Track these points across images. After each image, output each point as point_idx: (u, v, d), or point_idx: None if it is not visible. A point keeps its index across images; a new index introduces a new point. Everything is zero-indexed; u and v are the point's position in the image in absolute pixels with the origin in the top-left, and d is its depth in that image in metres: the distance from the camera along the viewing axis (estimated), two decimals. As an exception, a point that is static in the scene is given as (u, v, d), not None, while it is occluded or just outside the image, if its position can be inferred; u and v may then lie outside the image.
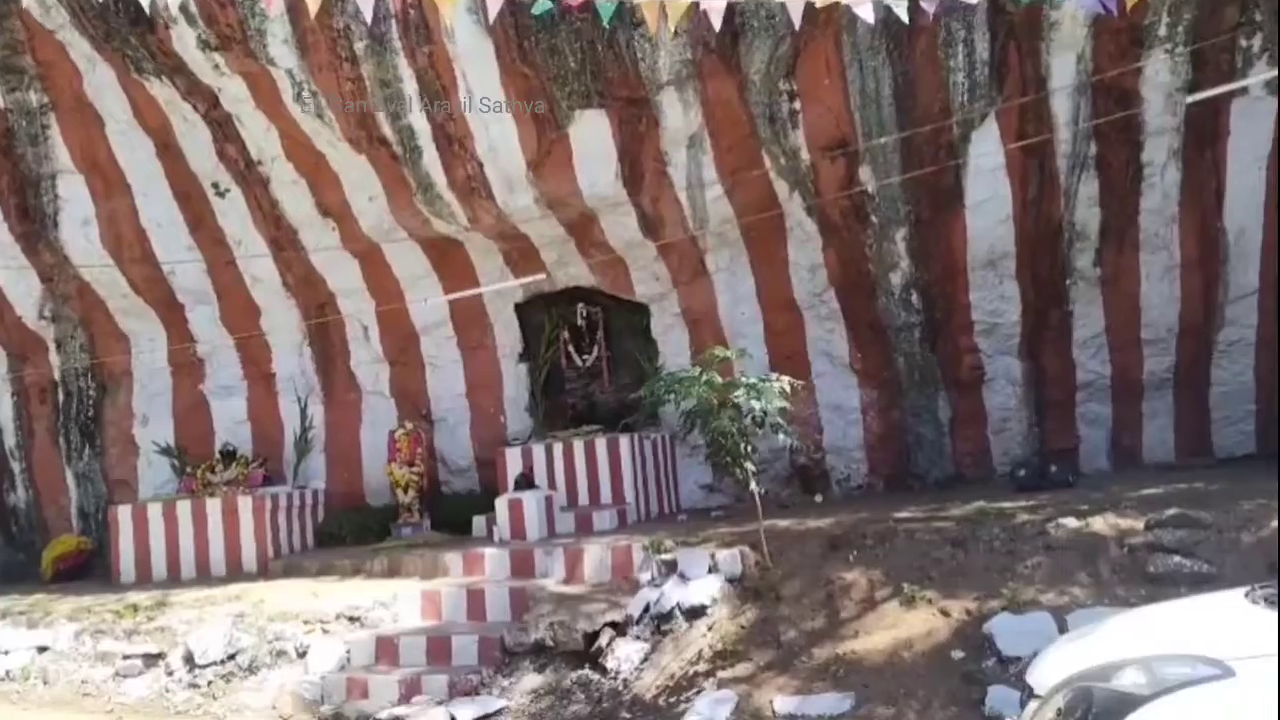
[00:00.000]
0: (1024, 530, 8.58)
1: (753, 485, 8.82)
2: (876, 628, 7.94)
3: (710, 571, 8.92)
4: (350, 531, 13.04)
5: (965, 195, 11.02)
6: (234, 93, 11.40)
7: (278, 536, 12.51)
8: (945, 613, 7.87)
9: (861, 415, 12.45)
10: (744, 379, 8.90)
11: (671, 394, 8.97)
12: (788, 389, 8.83)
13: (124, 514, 12.55)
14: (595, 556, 9.98)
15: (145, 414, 13.79)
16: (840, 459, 12.61)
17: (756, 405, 8.67)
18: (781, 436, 9.05)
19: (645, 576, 9.34)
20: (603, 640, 8.53)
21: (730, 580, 8.84)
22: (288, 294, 13.25)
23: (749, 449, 8.81)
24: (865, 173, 10.94)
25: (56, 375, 13.77)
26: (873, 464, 12.54)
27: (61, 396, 13.88)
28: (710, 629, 8.44)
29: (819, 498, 12.40)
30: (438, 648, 9.19)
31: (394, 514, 12.91)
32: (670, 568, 9.18)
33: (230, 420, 13.80)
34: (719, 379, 8.85)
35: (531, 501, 11.17)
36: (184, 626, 10.28)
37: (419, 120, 11.12)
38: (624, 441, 11.97)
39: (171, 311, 13.43)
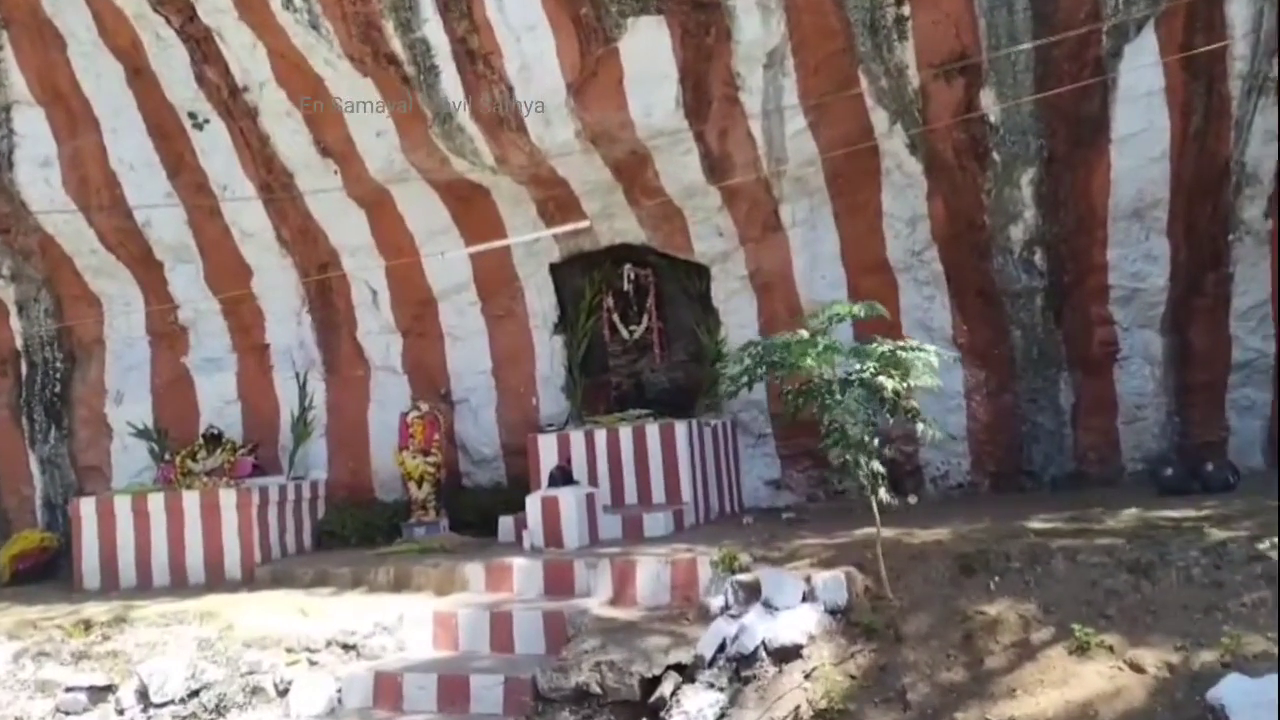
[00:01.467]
0: (1229, 553, 6.47)
1: (882, 493, 6.71)
2: (1039, 684, 5.89)
3: (805, 599, 6.86)
4: (354, 530, 11.14)
5: (1111, 126, 8.87)
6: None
7: (267, 537, 10.57)
8: (1136, 666, 5.81)
9: (965, 400, 10.33)
10: (878, 347, 6.78)
11: (770, 368, 6.85)
12: (934, 362, 6.74)
13: (87, 508, 10.65)
14: (650, 572, 7.98)
15: (119, 390, 11.94)
16: (937, 452, 10.49)
17: (890, 384, 6.58)
18: (921, 427, 6.95)
19: (717, 602, 7.29)
20: (665, 688, 6.53)
21: (833, 612, 6.78)
22: (283, 251, 11.29)
23: (875, 442, 6.71)
24: (988, 96, 8.80)
25: (19, 344, 11.88)
26: (977, 459, 10.43)
27: (24, 369, 12.00)
28: (808, 677, 6.39)
29: (913, 499, 10.29)
30: (452, 689, 7.22)
31: (406, 511, 10.97)
32: (750, 592, 7.12)
33: (217, 398, 11.89)
34: (840, 345, 6.75)
35: (570, 500, 9.14)
36: (142, 651, 8.35)
37: (435, 32, 9.11)
38: (680, 429, 9.92)
39: (149, 271, 11.50)
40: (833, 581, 6.80)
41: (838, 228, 10.18)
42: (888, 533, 8.03)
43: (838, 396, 6.45)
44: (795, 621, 6.65)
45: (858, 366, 6.59)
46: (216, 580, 10.24)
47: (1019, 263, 9.53)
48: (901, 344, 6.75)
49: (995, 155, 9.00)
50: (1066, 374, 10.01)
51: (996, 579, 6.75)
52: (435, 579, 8.93)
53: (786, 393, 7.10)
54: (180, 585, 10.23)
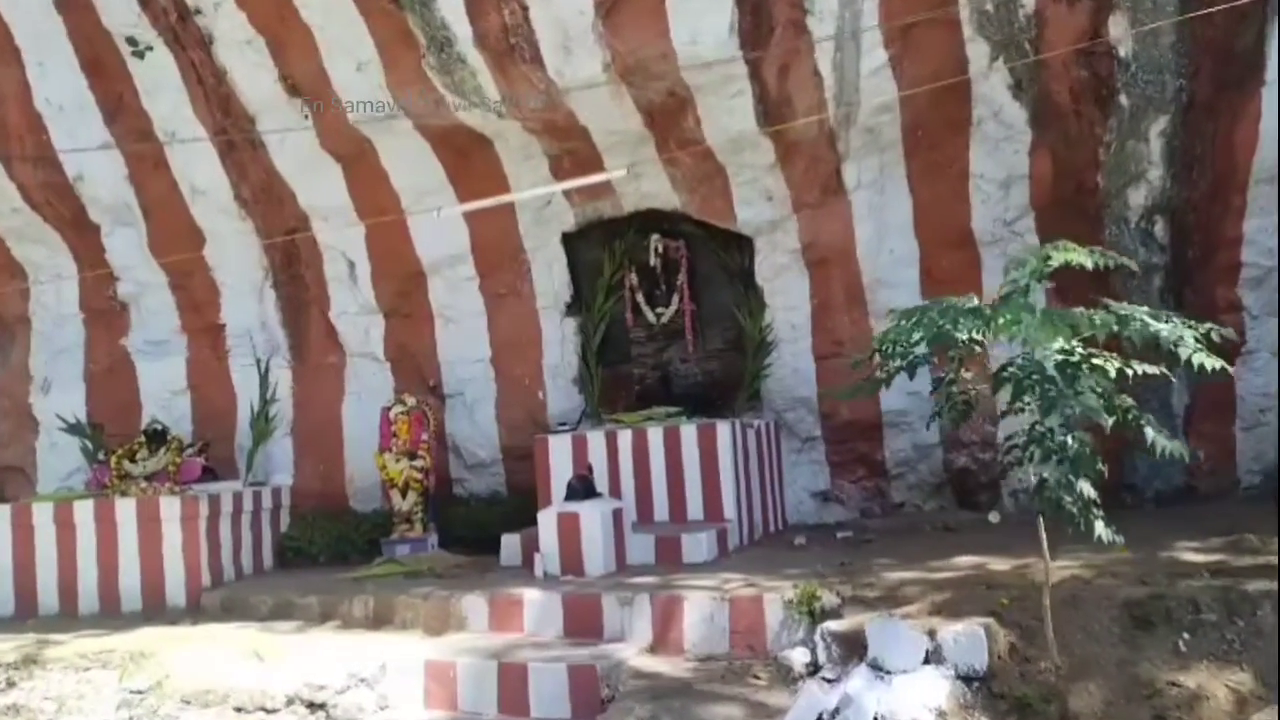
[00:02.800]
0: None
1: (1100, 527, 4.98)
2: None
3: (929, 660, 5.14)
4: (324, 548, 9.40)
5: (1266, 65, 7.21)
6: (155, -108, 7.60)
7: (218, 555, 8.77)
8: None
9: (1059, 400, 8.63)
10: (1138, 313, 5.00)
11: (940, 344, 5.11)
12: (1217, 338, 5.04)
13: (1, 517, 8.78)
14: (701, 611, 6.30)
15: (47, 377, 10.18)
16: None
17: (1141, 368, 4.89)
18: (1150, 434, 5.22)
19: (799, 657, 5.60)
20: (746, 782, 4.80)
21: (968, 679, 5.06)
22: (242, 212, 9.47)
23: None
24: (1118, 24, 7.15)
25: (-75, 322, 10.01)
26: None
27: (-68, 351, 10.11)
28: (943, 772, 4.69)
29: (995, 516, 8.64)
30: (452, 773, 5.46)
31: (387, 524, 9.20)
32: (847, 646, 5.43)
33: (162, 388, 10.08)
34: (1091, 315, 4.99)
35: (594, 517, 7.40)
36: (50, 706, 6.56)
37: (433, -65, 7.33)
38: (723, 431, 8.21)
39: (82, 235, 9.69)
40: (968, 638, 5.08)
41: (912, 192, 8.49)
42: (1000, 565, 6.40)
43: (1065, 387, 4.65)
44: (918, 692, 4.94)
45: (1062, 345, 4.82)
46: (155, 608, 8.44)
47: (1136, 234, 7.89)
48: (1141, 311, 4.92)
49: (1122, 98, 7.34)
50: (1181, 370, 8.35)
51: (1185, 636, 5.08)
52: (426, 614, 7.18)
53: (947, 383, 5.34)
54: (112, 613, 8.43)
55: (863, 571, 6.63)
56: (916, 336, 4.75)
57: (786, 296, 8.99)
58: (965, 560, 6.65)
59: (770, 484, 9.04)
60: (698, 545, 7.57)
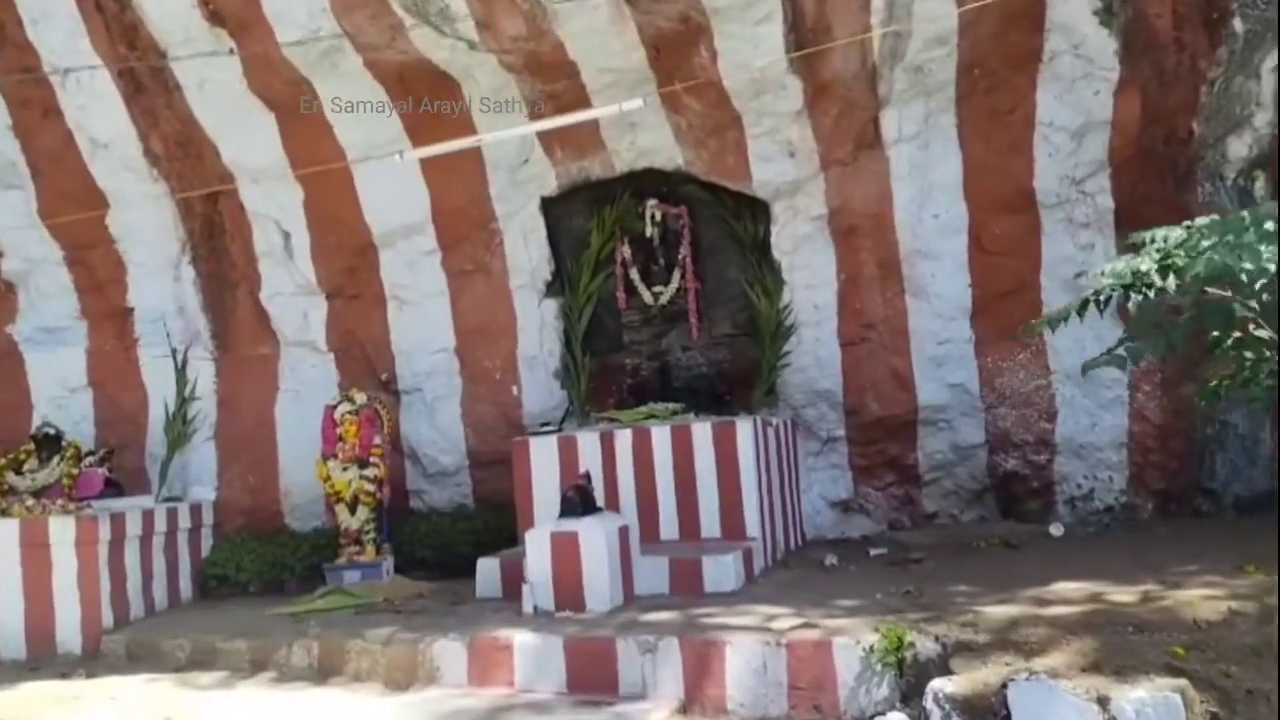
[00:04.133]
0: None
1: None
2: None
3: (1097, 737, 3.77)
4: (255, 575, 7.91)
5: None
6: None
7: (122, 588, 7.17)
8: None
9: (1129, 392, 7.45)
10: None
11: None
12: None
13: None
14: (749, 660, 4.93)
15: (-87, 372, 8.32)
16: (1080, 463, 7.66)
17: None
18: None
19: (897, 724, 4.20)
20: None
21: (1154, 763, 3.70)
22: (153, 171, 7.88)
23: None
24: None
25: None
26: (1139, 472, 7.59)
27: None
28: None
29: (1058, 528, 7.38)
30: None
31: (332, 546, 7.65)
32: (973, 714, 4.02)
33: (56, 384, 8.47)
34: None
35: (598, 538, 5.94)
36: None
37: None
38: (744, 430, 6.81)
39: (-46, 199, 7.96)
40: (1158, 709, 3.69)
41: (962, 145, 7.22)
42: (1120, 594, 5.09)
43: None
44: (1088, 782, 3.57)
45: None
46: (43, 655, 6.85)
47: (1233, 193, 6.68)
48: None
49: (1236, 22, 6.11)
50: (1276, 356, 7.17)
51: None
52: (387, 663, 5.68)
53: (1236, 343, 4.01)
54: (-14, 662, 6.78)
55: (943, 604, 5.28)
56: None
57: (809, 272, 7.66)
58: (1071, 588, 5.34)
59: (789, 493, 7.68)
60: (723, 570, 6.15)
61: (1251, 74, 6.27)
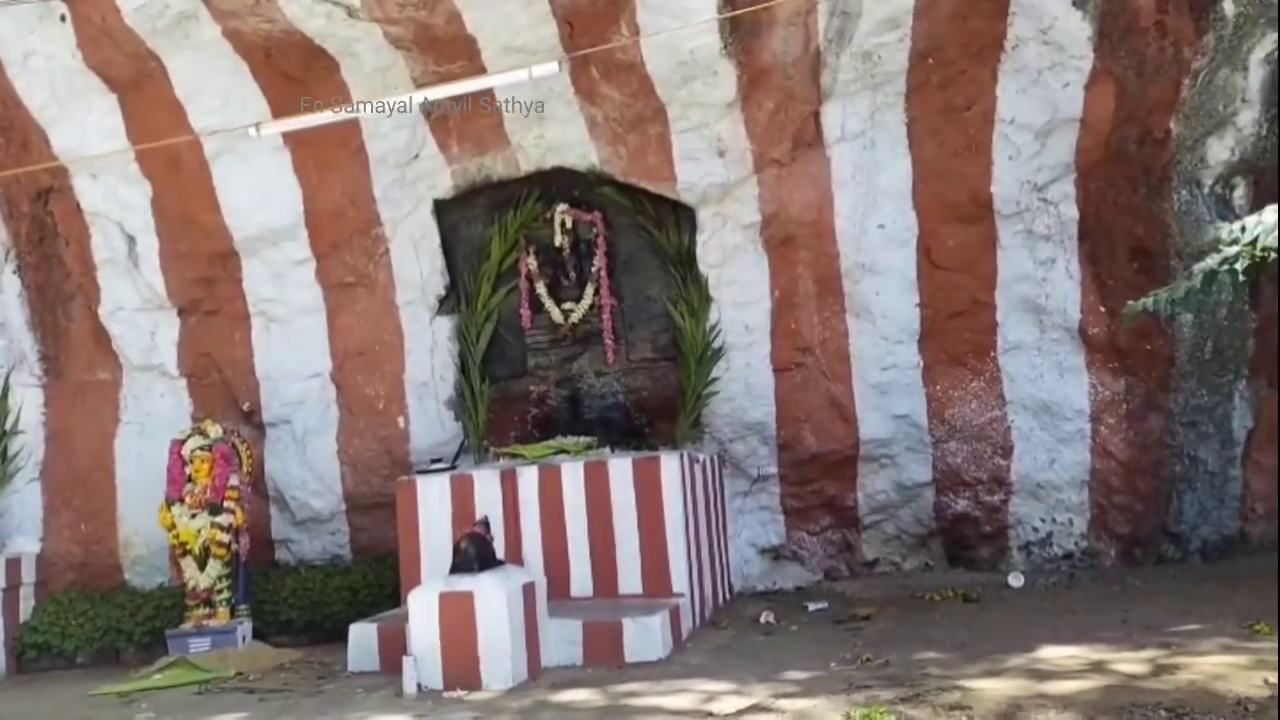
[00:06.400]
0: None
1: None
2: None
3: None
4: (84, 643, 6.79)
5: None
6: None
7: (-96, 665, 5.80)
8: None
9: (1091, 425, 6.73)
10: None
11: None
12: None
13: None
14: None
15: None
16: (1038, 504, 6.96)
17: None
18: None
19: None
20: None
21: None
22: (-34, 160, 6.57)
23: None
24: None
25: None
26: (1100, 514, 6.89)
27: None
28: None
29: (1018, 578, 6.58)
30: None
31: (178, 607, 6.41)
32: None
33: None
34: None
35: (498, 598, 4.87)
36: None
37: None
38: (669, 467, 5.86)
39: None
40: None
41: (912, 144, 6.46)
42: (1125, 662, 4.25)
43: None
44: None
45: None
46: None
47: (1212, 200, 6.03)
48: None
49: (1226, 6, 5.45)
50: (1245, 384, 6.56)
51: None
52: (230, 764, 4.50)
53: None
54: None
55: (914, 676, 4.38)
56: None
57: (738, 288, 6.78)
58: (1062, 654, 4.52)
59: (717, 539, 6.74)
60: (647, 635, 5.15)
61: (1238, 66, 5.63)
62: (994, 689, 4.01)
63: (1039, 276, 6.56)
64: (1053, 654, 4.54)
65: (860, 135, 6.40)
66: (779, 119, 6.31)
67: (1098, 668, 4.23)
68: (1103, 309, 6.49)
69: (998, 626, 5.36)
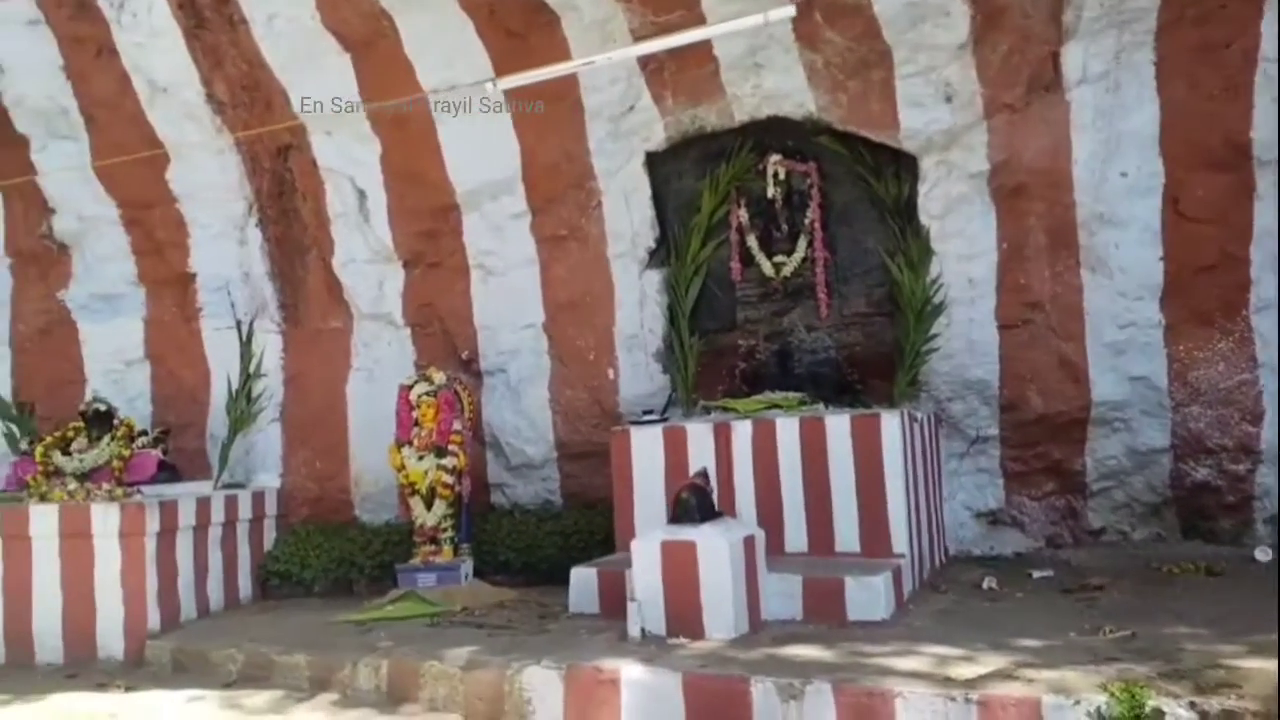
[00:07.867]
0: None
1: None
2: None
3: None
4: (320, 573, 7.15)
5: None
6: None
7: (172, 585, 6.37)
8: None
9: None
10: None
11: None
12: None
13: None
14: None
15: (-40, 341, 7.70)
16: (1288, 473, 6.33)
17: None
18: None
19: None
20: None
21: None
22: (216, 117, 7.06)
23: None
24: None
25: None
26: (1365, 484, 6.24)
27: None
28: None
29: (1266, 552, 6.14)
30: None
31: (406, 544, 6.76)
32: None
33: (113, 357, 7.77)
34: None
35: (720, 549, 4.90)
36: None
37: None
38: (889, 425, 5.70)
39: (3, 150, 7.23)
40: None
41: (1161, 87, 5.96)
42: None
43: None
44: None
45: None
46: (82, 659, 6.10)
47: None
48: None
49: None
50: None
51: None
52: (468, 692, 4.74)
53: None
54: (22, 663, 6.08)
55: (1168, 651, 4.13)
56: None
57: (963, 240, 6.48)
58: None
59: (933, 501, 6.56)
60: (871, 594, 5.06)
61: None
62: (1262, 669, 3.74)
63: (1303, 228, 6.01)
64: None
65: (1103, 77, 5.96)
66: (1013, 61, 5.97)
67: None
68: (1379, 269, 5.91)
69: (1249, 603, 4.99)
